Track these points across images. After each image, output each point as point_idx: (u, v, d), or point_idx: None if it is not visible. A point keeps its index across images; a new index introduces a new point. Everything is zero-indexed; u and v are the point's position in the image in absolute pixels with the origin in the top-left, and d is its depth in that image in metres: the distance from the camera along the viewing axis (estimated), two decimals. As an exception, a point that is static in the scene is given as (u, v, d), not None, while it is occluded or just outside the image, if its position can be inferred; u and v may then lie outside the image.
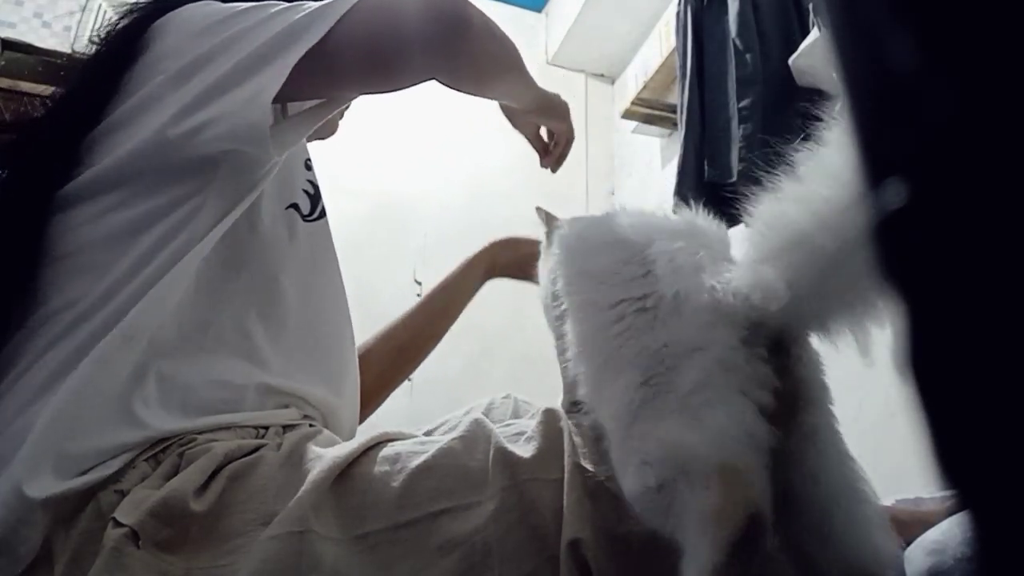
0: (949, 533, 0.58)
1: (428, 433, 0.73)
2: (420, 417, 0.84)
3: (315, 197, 0.86)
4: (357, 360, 0.88)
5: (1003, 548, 0.21)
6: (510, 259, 1.12)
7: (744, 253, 0.54)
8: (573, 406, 0.63)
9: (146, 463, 0.64)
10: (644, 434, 0.50)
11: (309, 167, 0.87)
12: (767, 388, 0.50)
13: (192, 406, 0.67)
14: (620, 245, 0.59)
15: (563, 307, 0.62)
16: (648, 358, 0.52)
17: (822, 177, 0.47)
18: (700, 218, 0.62)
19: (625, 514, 0.55)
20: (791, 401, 0.52)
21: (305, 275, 0.81)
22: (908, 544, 0.62)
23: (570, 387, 0.63)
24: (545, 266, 0.78)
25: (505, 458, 0.57)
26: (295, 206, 0.82)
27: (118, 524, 0.57)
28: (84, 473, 0.61)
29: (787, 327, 0.51)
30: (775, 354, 0.52)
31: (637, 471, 0.50)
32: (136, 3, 0.82)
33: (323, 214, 0.86)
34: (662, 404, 0.50)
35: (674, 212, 0.67)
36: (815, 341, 0.54)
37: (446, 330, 1.11)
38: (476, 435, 0.60)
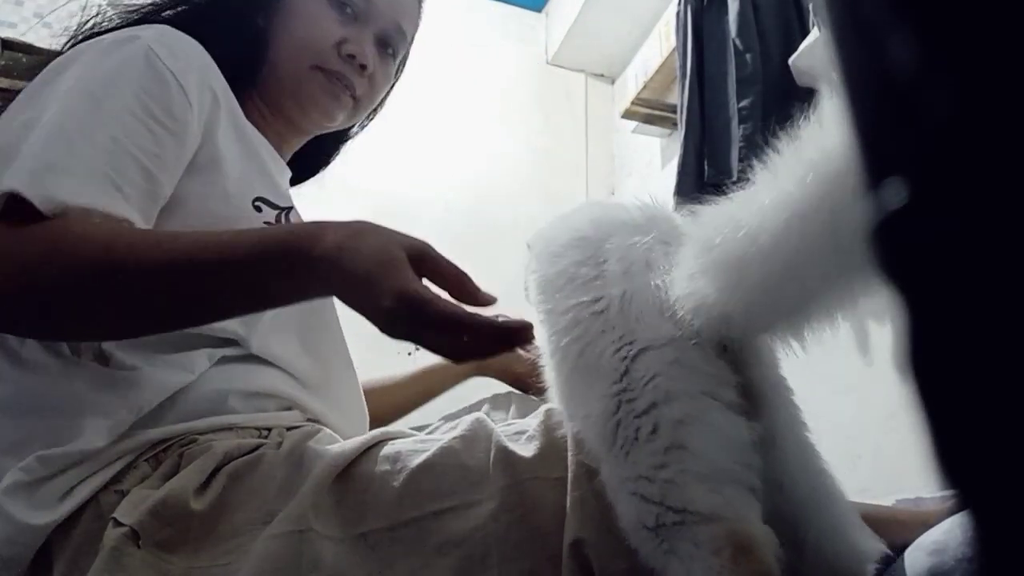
0: (950, 533, 0.58)
1: (429, 432, 0.73)
2: (420, 416, 0.84)
3: None
4: (362, 396, 0.86)
5: (1004, 548, 0.21)
6: (502, 365, 1.02)
7: (683, 260, 0.53)
8: None
9: (146, 463, 0.64)
10: (633, 461, 0.49)
11: (259, 208, 0.77)
12: (730, 384, 0.50)
13: (179, 411, 0.67)
14: (577, 246, 0.58)
15: (536, 314, 0.62)
16: (606, 364, 0.52)
17: (766, 191, 0.46)
18: (661, 209, 0.61)
19: None
20: (750, 404, 0.51)
21: (293, 318, 0.76)
22: (908, 544, 0.62)
23: None
24: None
25: (506, 457, 0.57)
26: None
27: (118, 524, 0.57)
28: (82, 482, 0.61)
29: (726, 334, 0.51)
30: (724, 352, 0.51)
31: (630, 503, 0.49)
32: (133, 7, 0.82)
33: None
34: (635, 421, 0.49)
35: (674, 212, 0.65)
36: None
37: (418, 407, 1.07)
38: (477, 434, 0.60)
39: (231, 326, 0.71)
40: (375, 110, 1.04)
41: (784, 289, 0.46)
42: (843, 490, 0.54)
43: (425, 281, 0.55)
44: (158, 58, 0.71)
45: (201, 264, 0.59)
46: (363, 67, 0.89)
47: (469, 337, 0.52)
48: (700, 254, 0.50)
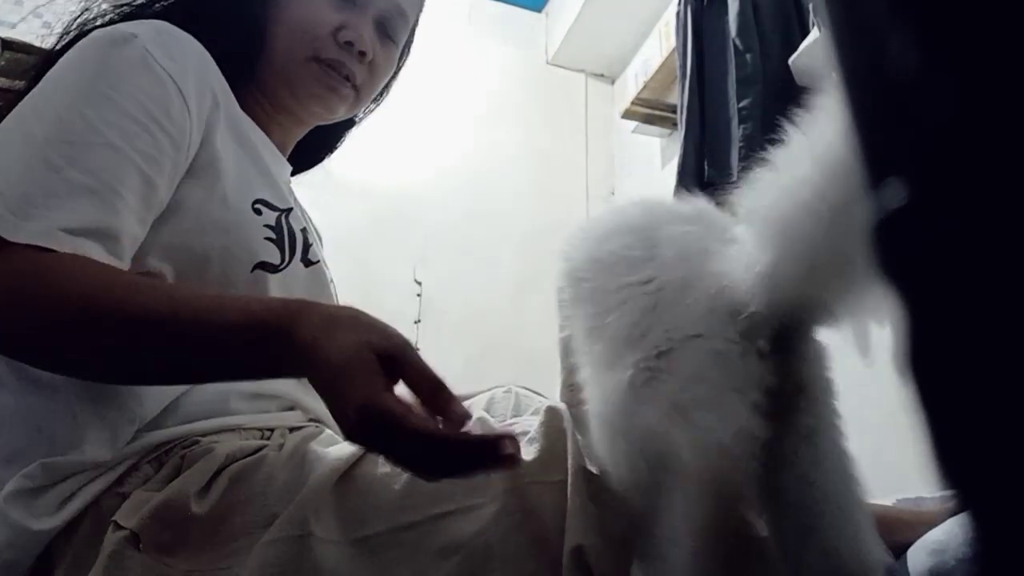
0: (951, 533, 0.58)
1: None
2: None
3: (280, 240, 0.76)
4: None
5: (1004, 548, 0.21)
6: None
7: (740, 238, 0.53)
8: (570, 390, 0.63)
9: (148, 465, 0.64)
10: (632, 422, 0.50)
11: (259, 211, 0.75)
12: (760, 387, 0.50)
13: (181, 413, 0.67)
14: (627, 230, 0.59)
15: (570, 293, 0.62)
16: (646, 340, 0.52)
17: (807, 161, 0.46)
18: (708, 205, 0.62)
19: (630, 519, 0.55)
20: (790, 400, 0.51)
21: None
22: (910, 544, 0.62)
23: (568, 374, 0.63)
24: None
25: None
26: (262, 265, 0.73)
27: (118, 527, 0.57)
28: (85, 487, 0.61)
29: (786, 320, 0.51)
30: (777, 351, 0.51)
31: (625, 456, 0.50)
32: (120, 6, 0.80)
33: (293, 252, 0.77)
34: (654, 391, 0.50)
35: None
36: (823, 337, 0.54)
37: None
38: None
39: None
40: (379, 97, 1.00)
41: (848, 249, 0.45)
42: (867, 499, 0.54)
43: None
44: (155, 60, 0.69)
45: (180, 326, 0.56)
46: (362, 54, 0.86)
47: (441, 456, 0.47)
48: (761, 225, 0.50)
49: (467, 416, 0.49)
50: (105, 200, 0.62)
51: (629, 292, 0.55)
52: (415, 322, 2.54)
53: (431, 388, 0.51)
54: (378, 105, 1.02)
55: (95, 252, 0.61)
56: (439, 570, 0.53)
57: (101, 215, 0.62)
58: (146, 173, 0.65)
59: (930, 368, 0.23)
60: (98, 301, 0.57)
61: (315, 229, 0.93)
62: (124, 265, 0.64)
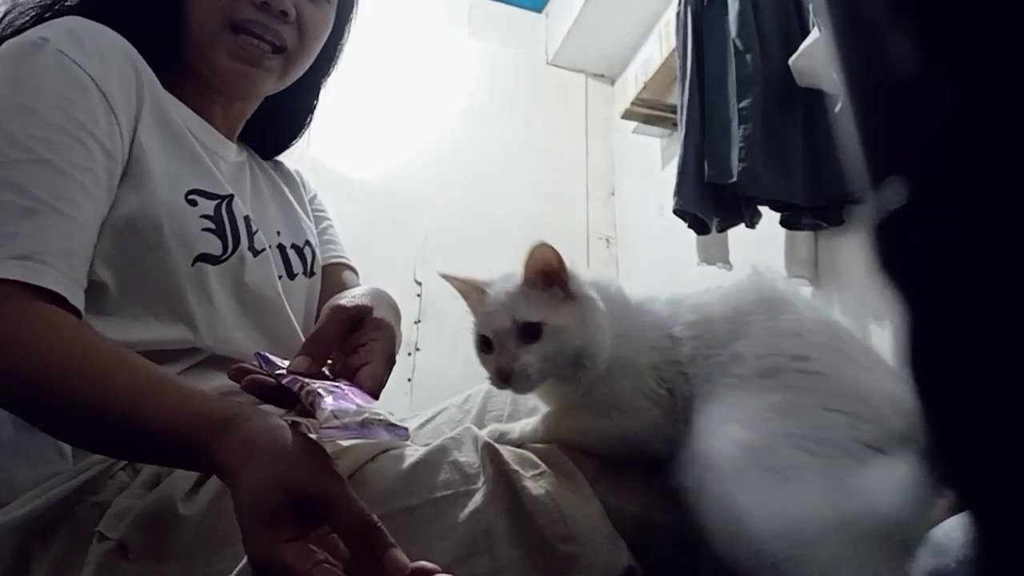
0: (951, 535, 0.58)
1: (429, 419, 0.76)
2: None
3: (221, 229, 0.72)
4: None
5: (1005, 549, 0.21)
6: None
7: None
8: None
9: (123, 472, 0.62)
10: None
11: (194, 202, 0.71)
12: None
13: None
14: None
15: None
16: None
17: None
18: None
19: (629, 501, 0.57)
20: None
21: (233, 318, 0.73)
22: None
23: None
24: None
25: (491, 450, 0.58)
26: (202, 257, 0.70)
27: (104, 538, 0.56)
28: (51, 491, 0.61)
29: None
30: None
31: None
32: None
33: (238, 241, 0.73)
34: None
35: (674, 212, 0.68)
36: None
37: None
38: (464, 434, 0.61)
39: (180, 336, 0.68)
40: (333, 59, 0.93)
41: None
42: None
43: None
44: (73, 63, 0.66)
45: (111, 427, 0.53)
46: (283, 13, 0.78)
47: None
48: None
49: (406, 567, 0.43)
50: (47, 219, 0.59)
51: None
52: (415, 322, 2.54)
53: (362, 534, 0.44)
54: (333, 69, 0.94)
55: (48, 276, 0.58)
56: (437, 550, 0.53)
57: (45, 236, 0.59)
58: (83, 184, 0.63)
59: (931, 367, 0.23)
60: (35, 386, 0.54)
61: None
62: (81, 283, 0.62)
